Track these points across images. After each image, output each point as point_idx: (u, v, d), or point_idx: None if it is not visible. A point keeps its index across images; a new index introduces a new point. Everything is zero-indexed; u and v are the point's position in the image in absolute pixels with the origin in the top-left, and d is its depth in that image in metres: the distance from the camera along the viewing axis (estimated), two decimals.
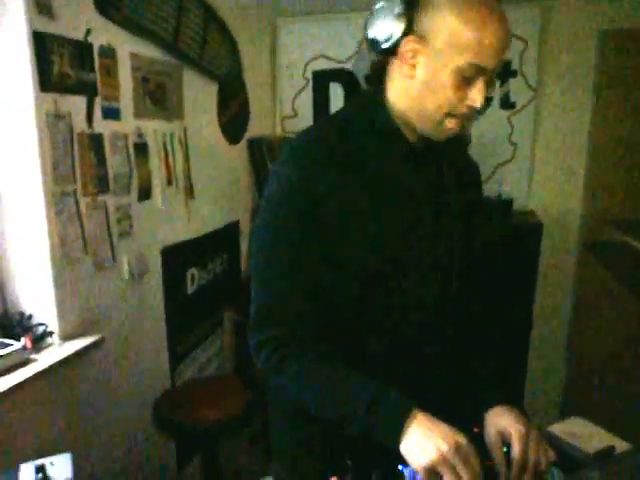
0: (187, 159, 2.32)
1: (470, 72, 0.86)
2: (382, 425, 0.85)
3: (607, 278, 2.31)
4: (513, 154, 2.89)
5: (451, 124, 0.91)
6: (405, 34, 0.87)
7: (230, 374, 2.76)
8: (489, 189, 2.86)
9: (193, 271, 2.43)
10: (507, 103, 2.86)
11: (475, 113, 0.91)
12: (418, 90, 0.91)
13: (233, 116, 2.71)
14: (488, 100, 2.86)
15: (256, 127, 2.95)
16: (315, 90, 3.10)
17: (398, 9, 0.87)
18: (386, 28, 0.89)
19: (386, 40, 0.90)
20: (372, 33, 0.91)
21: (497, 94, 2.86)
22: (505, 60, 2.79)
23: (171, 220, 2.24)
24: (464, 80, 0.86)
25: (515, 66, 2.80)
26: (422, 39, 0.87)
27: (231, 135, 2.71)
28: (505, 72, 2.82)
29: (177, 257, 2.29)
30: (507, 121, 2.87)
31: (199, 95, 2.42)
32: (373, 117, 0.97)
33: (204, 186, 2.47)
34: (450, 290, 1.05)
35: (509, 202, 2.77)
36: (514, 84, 2.82)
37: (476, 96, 0.87)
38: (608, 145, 2.76)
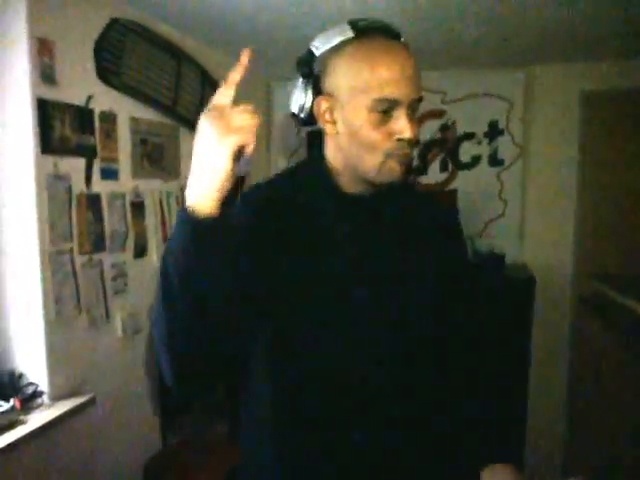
0: None
1: (382, 107, 0.87)
2: (177, 216, 0.78)
3: (603, 332, 2.31)
4: (504, 210, 2.95)
5: (393, 164, 0.90)
6: (315, 98, 0.93)
7: (223, 434, 2.70)
8: (481, 244, 2.91)
9: None
10: (495, 160, 2.94)
11: (411, 148, 0.91)
12: (346, 143, 0.93)
13: None
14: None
15: (252, 184, 3.02)
16: (309, 150, 3.19)
17: (302, 82, 0.94)
18: (299, 101, 0.95)
19: (301, 111, 0.95)
20: (292, 110, 0.98)
21: (486, 152, 2.96)
22: (491, 120, 2.91)
23: None
24: (382, 118, 0.88)
25: (502, 125, 2.91)
26: (331, 96, 0.91)
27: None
28: (492, 131, 2.93)
29: None
30: (497, 178, 2.95)
31: None
32: (313, 174, 1.00)
33: None
34: (391, 356, 0.96)
35: (501, 256, 2.81)
36: (501, 143, 2.92)
37: (400, 127, 0.88)
38: (596, 199, 2.83)
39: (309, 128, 1.03)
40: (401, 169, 0.92)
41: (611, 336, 2.21)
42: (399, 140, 0.89)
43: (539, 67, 2.85)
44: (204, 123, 0.74)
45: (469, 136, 2.98)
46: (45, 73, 1.61)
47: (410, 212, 1.04)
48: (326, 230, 0.96)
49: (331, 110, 0.93)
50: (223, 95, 0.78)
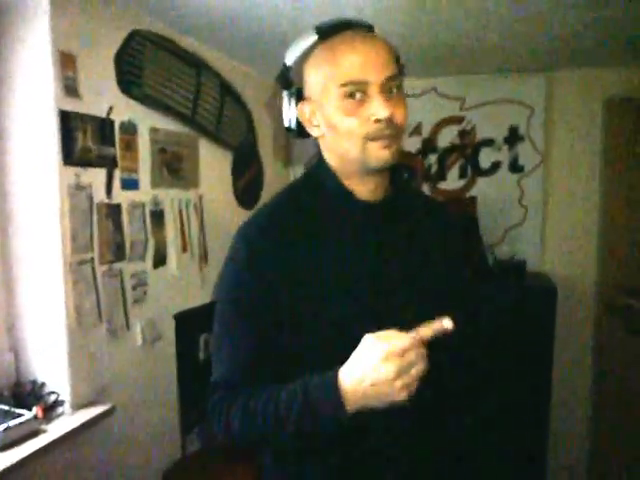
0: (202, 226, 2.38)
1: (349, 91, 0.87)
2: (321, 401, 0.81)
3: (629, 343, 2.26)
4: (524, 217, 2.91)
5: (376, 148, 0.89)
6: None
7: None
8: (501, 251, 2.87)
9: (206, 337, 2.43)
10: (516, 167, 2.91)
11: (393, 129, 0.89)
12: (332, 141, 0.94)
13: (247, 183, 2.79)
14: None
15: (270, 193, 3.01)
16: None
17: (285, 94, 0.98)
18: (286, 114, 0.99)
19: (289, 122, 0.99)
20: (284, 124, 1.01)
21: (506, 158, 2.92)
22: (511, 125, 2.87)
23: (185, 286, 2.27)
24: (355, 103, 0.88)
25: (522, 131, 2.87)
26: (308, 100, 0.95)
27: (245, 201, 2.77)
28: (513, 137, 2.90)
29: (190, 323, 2.30)
30: (517, 184, 2.91)
31: (215, 164, 2.50)
32: (321, 182, 0.99)
33: (218, 252, 2.50)
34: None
35: (522, 264, 2.77)
36: (522, 149, 2.88)
37: (374, 110, 0.87)
38: (619, 207, 2.77)
39: (304, 138, 1.04)
40: (388, 151, 0.90)
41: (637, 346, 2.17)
42: (376, 122, 0.88)
43: (561, 72, 2.80)
44: (386, 366, 0.76)
45: (489, 142, 2.94)
46: (68, 86, 1.63)
47: (423, 219, 1.04)
48: (344, 243, 0.95)
49: (314, 114, 0.95)
50: (409, 341, 0.78)
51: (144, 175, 2.00)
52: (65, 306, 1.64)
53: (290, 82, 0.96)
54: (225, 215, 2.60)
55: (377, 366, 0.76)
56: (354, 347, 0.84)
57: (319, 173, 1.00)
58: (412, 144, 3.01)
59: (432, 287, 0.98)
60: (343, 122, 0.89)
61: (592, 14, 1.95)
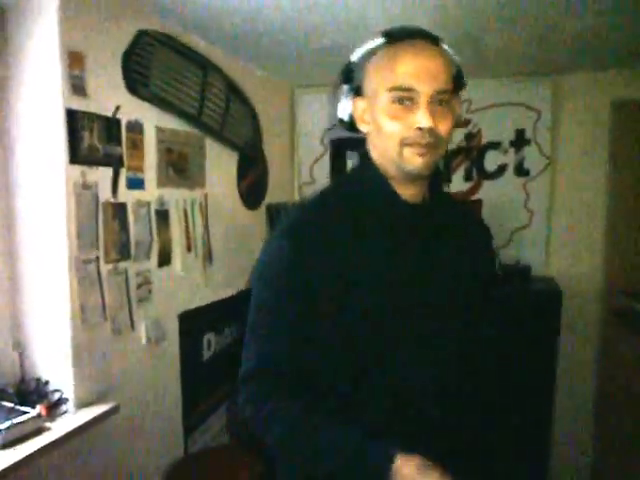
0: (207, 225, 2.38)
1: (399, 97, 0.92)
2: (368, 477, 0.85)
3: (633, 347, 2.25)
4: (530, 220, 2.90)
5: (411, 153, 0.94)
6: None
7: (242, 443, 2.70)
8: (507, 255, 2.86)
9: (209, 336, 2.44)
10: (522, 170, 2.90)
11: (434, 137, 0.92)
12: (377, 139, 0.98)
13: (252, 183, 2.79)
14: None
15: (275, 193, 3.03)
16: (333, 157, 3.19)
17: (346, 89, 1.02)
18: (343, 107, 1.04)
19: (344, 115, 1.04)
20: (339, 115, 1.06)
21: (512, 161, 2.91)
22: (517, 128, 2.86)
23: (189, 285, 2.27)
24: (402, 109, 0.92)
25: (529, 135, 2.86)
26: (365, 97, 0.99)
27: (250, 201, 2.78)
28: (519, 140, 2.89)
29: (194, 322, 2.30)
30: (522, 188, 2.90)
31: (220, 163, 2.50)
32: (366, 179, 1.03)
33: (222, 252, 2.51)
34: (451, 368, 1.02)
35: (527, 268, 2.76)
36: (528, 152, 2.87)
37: (418, 118, 0.91)
38: (626, 211, 2.76)
39: (355, 134, 1.07)
40: (422, 159, 0.94)
41: None
42: (418, 129, 0.92)
43: (568, 76, 2.79)
44: None
45: (495, 145, 2.94)
46: (75, 85, 1.63)
47: (459, 225, 1.09)
48: (389, 242, 0.98)
49: (365, 112, 1.00)
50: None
51: (150, 174, 2.00)
52: (70, 304, 1.64)
53: (351, 78, 1.01)
54: (230, 215, 2.61)
55: None
56: (391, 344, 0.93)
57: (364, 170, 1.05)
58: None
59: (467, 292, 1.04)
60: (387, 125, 0.94)
61: (598, 18, 1.94)
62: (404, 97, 0.91)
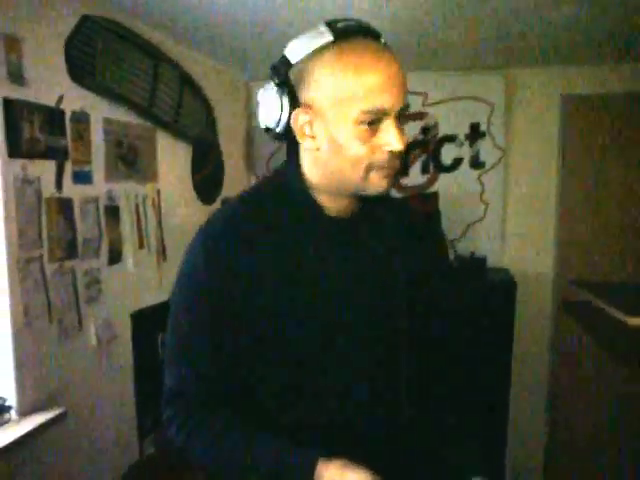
0: (160, 221, 2.30)
1: (369, 118, 0.81)
2: None
3: (583, 336, 2.31)
4: (485, 212, 2.94)
5: (378, 177, 0.86)
6: (292, 110, 0.86)
7: None
8: (462, 247, 2.90)
9: (163, 336, 2.36)
10: (477, 163, 2.93)
11: (398, 160, 0.86)
12: (328, 158, 0.87)
13: (207, 176, 2.72)
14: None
15: (231, 187, 2.96)
16: (288, 155, 3.14)
17: (277, 91, 0.87)
18: (273, 113, 0.88)
19: (277, 124, 0.88)
20: (263, 123, 0.92)
21: (467, 154, 2.94)
22: (472, 122, 2.89)
23: (142, 283, 2.18)
24: (369, 130, 0.82)
25: (483, 128, 2.89)
26: (310, 108, 0.85)
27: (205, 195, 2.70)
28: (474, 133, 2.92)
29: (148, 321, 2.22)
30: (477, 180, 2.93)
31: (173, 157, 2.42)
32: (290, 191, 0.94)
33: (177, 248, 2.42)
34: (380, 372, 0.98)
35: (482, 260, 2.80)
36: (483, 145, 2.91)
37: (390, 139, 0.82)
38: (577, 203, 2.83)
39: (282, 142, 0.96)
40: (387, 180, 0.87)
41: (591, 340, 2.22)
42: (388, 152, 0.84)
43: (520, 70, 2.84)
44: None
45: (450, 138, 2.96)
46: (12, 72, 1.53)
47: (386, 225, 1.01)
48: (307, 257, 0.91)
49: (311, 124, 0.86)
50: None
51: (98, 168, 1.91)
52: (11, 306, 1.55)
53: (288, 80, 0.86)
54: (184, 210, 2.53)
55: None
56: (311, 360, 0.88)
57: (290, 181, 0.94)
58: None
59: (390, 301, 0.99)
60: (352, 147, 0.83)
61: (550, 13, 1.97)
62: (374, 119, 0.81)
